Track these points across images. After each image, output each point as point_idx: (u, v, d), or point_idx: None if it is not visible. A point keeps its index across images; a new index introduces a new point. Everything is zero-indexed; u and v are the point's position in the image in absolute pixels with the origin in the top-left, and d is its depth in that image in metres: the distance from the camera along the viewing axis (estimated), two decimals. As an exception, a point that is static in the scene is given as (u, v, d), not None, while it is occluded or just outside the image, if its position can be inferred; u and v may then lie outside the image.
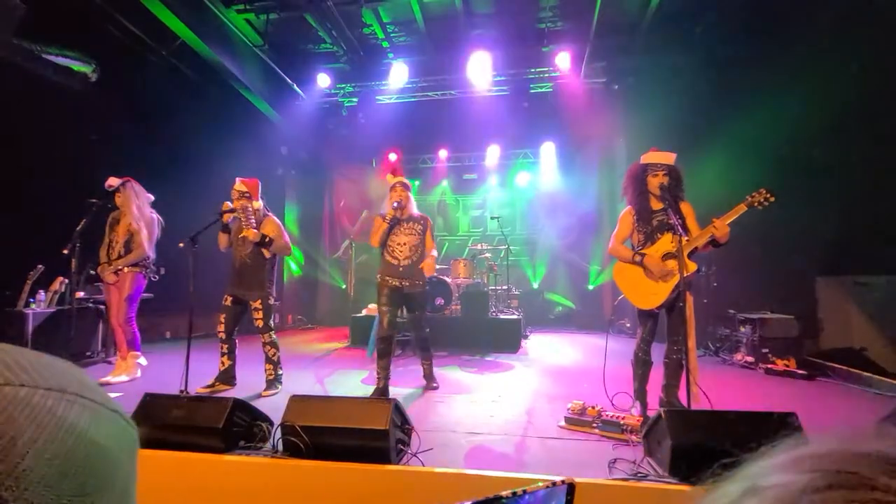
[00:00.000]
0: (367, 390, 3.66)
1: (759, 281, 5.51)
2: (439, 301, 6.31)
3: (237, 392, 3.53)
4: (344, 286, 9.47)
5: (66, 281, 4.67)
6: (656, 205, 2.91)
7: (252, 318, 3.67)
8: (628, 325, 7.14)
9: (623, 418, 2.60)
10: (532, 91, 7.58)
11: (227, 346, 3.65)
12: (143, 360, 4.15)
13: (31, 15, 4.71)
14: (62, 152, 5.25)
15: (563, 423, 2.79)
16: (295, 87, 7.38)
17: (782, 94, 5.26)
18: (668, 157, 2.91)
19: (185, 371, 3.01)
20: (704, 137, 5.65)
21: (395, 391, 3.61)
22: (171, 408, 2.26)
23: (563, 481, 0.45)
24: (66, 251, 4.11)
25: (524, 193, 9.72)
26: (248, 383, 3.74)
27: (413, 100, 8.03)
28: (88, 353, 4.79)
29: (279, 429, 2.15)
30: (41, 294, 4.57)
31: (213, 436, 2.16)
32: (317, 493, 1.94)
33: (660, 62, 6.45)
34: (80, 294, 4.65)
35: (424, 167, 9.89)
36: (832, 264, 5.02)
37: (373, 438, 2.03)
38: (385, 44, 7.21)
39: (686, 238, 2.58)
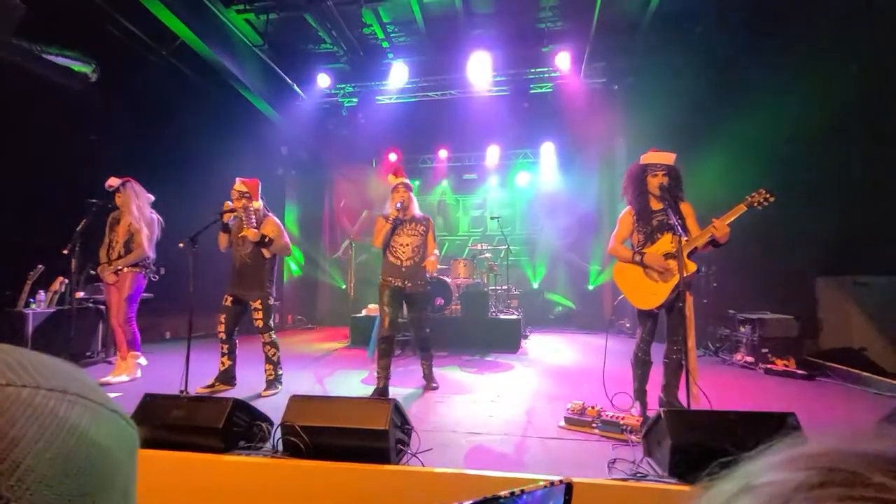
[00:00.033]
0: (367, 390, 3.67)
1: (758, 281, 5.51)
2: (439, 301, 6.32)
3: (237, 392, 3.54)
4: (344, 286, 9.47)
5: (66, 281, 4.67)
6: (656, 205, 2.91)
7: (252, 319, 3.67)
8: (628, 325, 7.15)
9: (623, 418, 2.60)
10: (532, 91, 7.58)
11: (227, 346, 3.65)
12: (143, 361, 4.15)
13: (31, 15, 4.71)
14: (62, 152, 5.26)
15: (562, 423, 2.79)
16: (295, 87, 7.38)
17: (782, 94, 5.27)
18: (668, 158, 2.91)
19: (185, 371, 3.01)
20: (704, 137, 5.65)
21: (395, 391, 3.61)
22: (170, 408, 2.26)
23: (560, 481, 0.45)
24: (65, 251, 4.11)
25: (524, 193, 9.72)
26: (248, 383, 3.74)
27: (413, 100, 8.03)
28: (88, 354, 4.79)
29: (279, 429, 2.15)
30: (41, 294, 4.57)
31: (212, 436, 2.16)
32: (316, 493, 1.94)
33: (660, 62, 6.45)
34: (80, 294, 4.65)
35: (424, 167, 9.89)
36: (832, 264, 5.03)
37: (372, 438, 2.03)
38: (385, 44, 7.21)
39: (686, 238, 2.58)
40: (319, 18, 6.29)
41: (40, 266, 4.51)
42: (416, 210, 3.74)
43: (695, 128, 5.76)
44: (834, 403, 3.47)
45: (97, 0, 5.16)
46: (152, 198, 4.22)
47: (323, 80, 7.22)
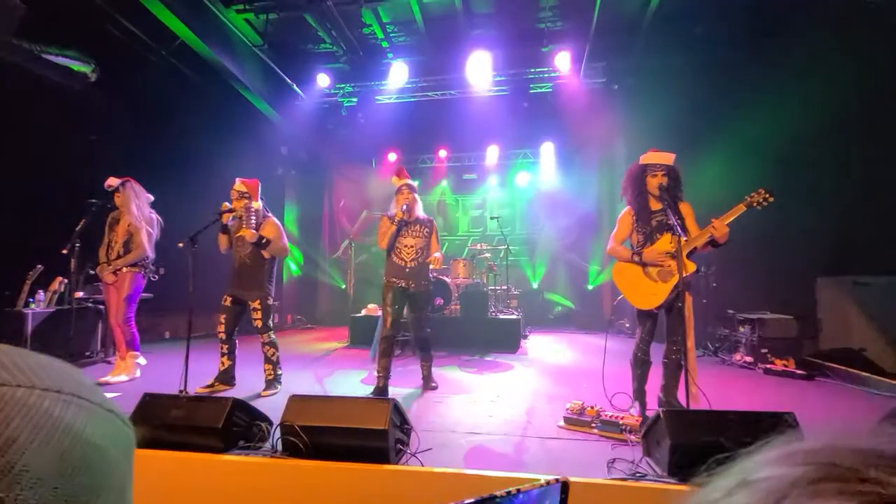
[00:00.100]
0: (367, 390, 3.67)
1: (758, 281, 5.52)
2: (439, 301, 6.32)
3: (237, 392, 3.54)
4: (343, 286, 9.47)
5: (66, 281, 4.67)
6: (655, 205, 2.91)
7: (251, 319, 3.67)
8: (627, 325, 7.15)
9: (622, 418, 2.60)
10: (532, 91, 7.58)
11: (227, 346, 3.65)
12: (142, 360, 4.15)
13: (31, 15, 4.71)
14: (62, 152, 5.26)
15: (562, 423, 2.80)
16: (294, 87, 7.38)
17: (782, 94, 5.27)
18: (668, 158, 2.91)
19: (185, 371, 3.01)
20: (704, 137, 5.65)
21: (395, 391, 3.61)
22: (170, 408, 2.26)
23: (556, 480, 0.45)
24: (65, 251, 4.12)
25: (524, 193, 9.72)
26: (248, 383, 3.74)
27: (413, 100, 8.02)
28: (88, 353, 4.79)
29: (278, 428, 2.15)
30: (40, 294, 4.57)
31: (212, 436, 2.16)
32: (316, 492, 1.94)
33: (660, 62, 6.45)
34: (80, 294, 4.65)
35: (424, 167, 9.89)
36: (832, 264, 5.03)
37: (372, 438, 2.04)
38: (385, 44, 7.21)
39: (685, 238, 2.58)
40: (319, 18, 6.29)
41: (40, 266, 4.51)
42: (420, 211, 3.76)
43: (695, 128, 5.76)
44: (833, 404, 3.47)
45: (97, 0, 5.16)
46: (152, 198, 4.21)
47: (323, 80, 7.22)
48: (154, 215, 4.17)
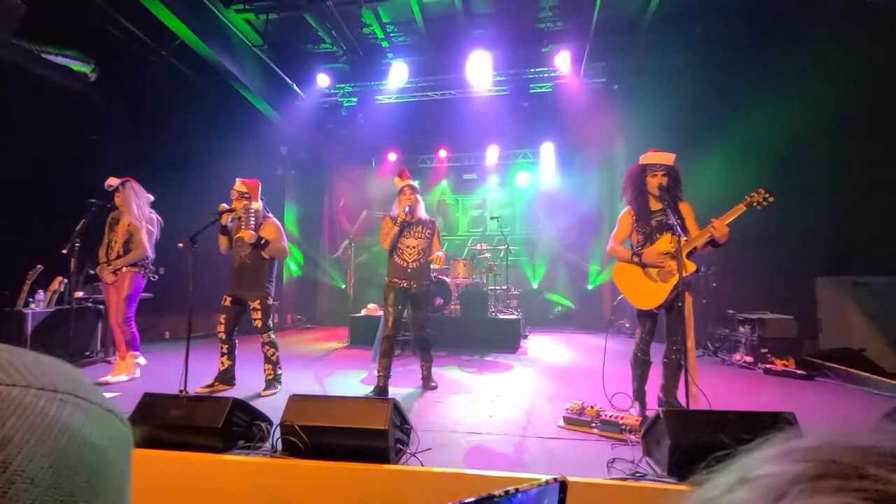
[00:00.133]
0: (367, 390, 3.67)
1: (758, 281, 5.52)
2: (438, 301, 6.32)
3: (236, 392, 3.54)
4: (343, 286, 9.46)
5: (66, 281, 4.67)
6: (655, 205, 2.91)
7: (251, 319, 3.68)
8: (627, 325, 7.15)
9: (622, 418, 2.60)
10: (532, 91, 7.58)
11: (226, 346, 3.65)
12: (142, 360, 4.15)
13: (30, 15, 4.71)
14: (62, 152, 5.26)
15: (562, 422, 2.80)
16: (294, 86, 7.38)
17: (782, 94, 5.27)
18: (667, 158, 2.91)
19: (185, 371, 3.01)
20: (704, 137, 5.66)
21: (395, 391, 3.61)
22: (170, 407, 2.27)
23: (555, 479, 0.45)
24: (64, 251, 4.12)
25: (524, 193, 9.72)
26: (248, 383, 3.74)
27: (412, 100, 8.02)
28: (87, 353, 4.79)
29: (278, 428, 2.15)
30: (40, 294, 4.57)
31: (212, 435, 2.16)
32: (316, 492, 1.94)
33: (660, 62, 6.45)
34: (80, 294, 4.65)
35: (424, 167, 9.89)
36: (832, 264, 5.03)
37: (372, 438, 2.04)
38: (385, 44, 7.21)
39: (685, 238, 2.58)
40: (319, 18, 6.29)
41: (39, 266, 4.51)
42: (423, 212, 3.76)
43: (695, 128, 5.76)
44: (833, 403, 3.47)
45: (97, 0, 5.16)
46: (152, 198, 4.21)
47: (322, 80, 7.22)
48: (154, 215, 4.17)
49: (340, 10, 6.06)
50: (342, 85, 7.83)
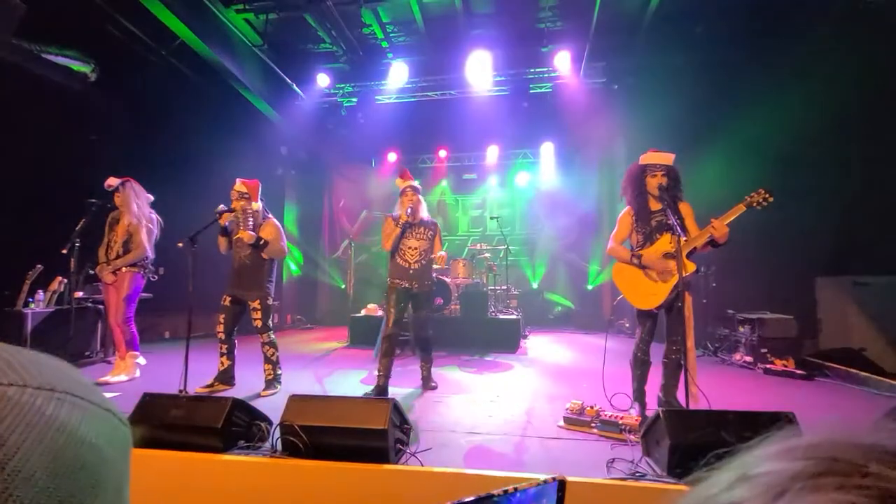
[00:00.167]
0: (367, 390, 3.67)
1: (758, 281, 5.52)
2: (438, 301, 6.32)
3: (236, 392, 3.53)
4: (343, 286, 9.47)
5: (65, 281, 4.67)
6: (655, 205, 2.91)
7: (251, 319, 3.68)
8: (627, 325, 7.15)
9: (621, 418, 2.60)
10: (532, 91, 7.57)
11: (226, 346, 3.65)
12: (141, 360, 4.15)
13: (30, 15, 4.71)
14: (62, 152, 5.26)
15: (561, 422, 2.80)
16: (294, 86, 7.38)
17: (782, 94, 5.27)
18: (667, 158, 2.91)
19: (185, 371, 3.01)
20: (704, 137, 5.66)
21: (395, 391, 3.61)
22: (170, 407, 2.27)
23: (553, 478, 0.45)
24: (64, 251, 4.12)
25: (524, 193, 9.72)
26: (248, 383, 3.74)
27: (412, 100, 8.02)
28: (87, 353, 4.79)
29: (278, 428, 2.15)
30: (40, 294, 4.57)
31: (211, 435, 2.16)
32: (316, 492, 1.94)
33: (660, 62, 6.45)
34: (79, 294, 4.65)
35: (424, 167, 9.89)
36: (832, 264, 5.03)
37: (371, 438, 2.04)
38: (384, 44, 7.21)
39: (684, 238, 2.58)
40: (319, 18, 6.29)
41: (39, 266, 4.51)
42: (425, 213, 3.76)
43: (695, 128, 5.76)
44: (833, 403, 3.47)
45: (97, 0, 5.16)
46: (152, 198, 4.21)
47: (322, 80, 7.22)
48: (154, 215, 4.17)
49: (340, 10, 6.06)
50: (342, 85, 7.83)
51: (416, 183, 3.76)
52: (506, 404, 3.33)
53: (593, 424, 2.67)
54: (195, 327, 3.66)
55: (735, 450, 0.27)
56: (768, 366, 4.46)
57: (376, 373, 3.58)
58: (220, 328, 3.62)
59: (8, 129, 4.66)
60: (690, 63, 6.17)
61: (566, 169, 9.20)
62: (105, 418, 0.32)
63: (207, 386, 3.58)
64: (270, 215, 3.85)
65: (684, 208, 2.87)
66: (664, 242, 2.82)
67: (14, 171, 4.72)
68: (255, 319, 3.65)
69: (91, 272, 4.34)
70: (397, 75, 7.10)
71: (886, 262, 4.51)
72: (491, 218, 8.25)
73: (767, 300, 5.17)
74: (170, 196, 4.55)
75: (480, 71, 6.79)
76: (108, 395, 0.35)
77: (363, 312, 6.53)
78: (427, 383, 3.82)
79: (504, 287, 7.48)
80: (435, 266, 3.84)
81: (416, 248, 3.67)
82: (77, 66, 5.49)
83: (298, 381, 4.05)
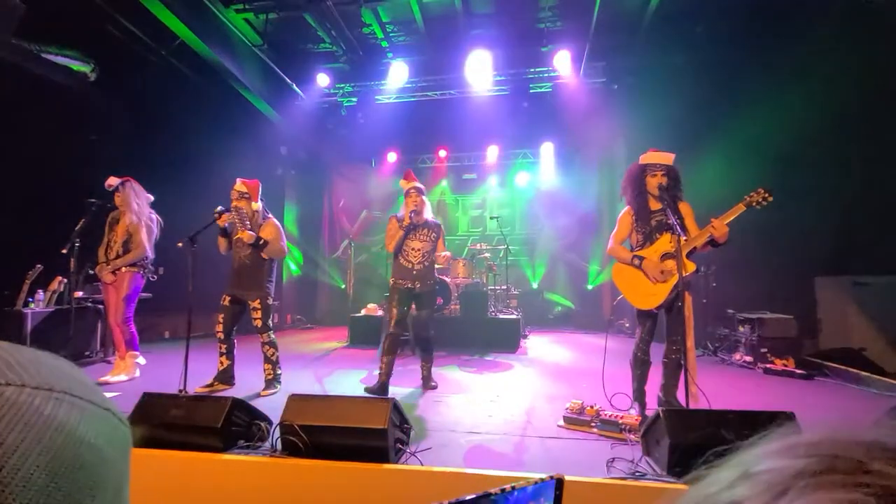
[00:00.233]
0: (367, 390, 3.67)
1: (758, 281, 5.52)
2: (438, 301, 6.31)
3: (236, 391, 3.53)
4: (343, 286, 9.47)
5: (65, 280, 4.67)
6: (655, 205, 2.91)
7: (251, 318, 3.68)
8: (627, 325, 7.14)
9: (621, 417, 2.60)
10: (532, 91, 7.57)
11: (225, 345, 3.65)
12: (141, 360, 4.14)
13: (30, 15, 4.71)
14: (62, 152, 5.25)
15: (561, 422, 2.80)
16: (294, 86, 7.38)
17: (782, 93, 5.27)
18: (667, 158, 2.91)
19: (184, 371, 3.01)
20: (704, 137, 5.66)
21: (394, 390, 3.61)
22: (169, 407, 2.26)
23: (551, 476, 0.45)
24: (64, 251, 4.12)
25: (524, 193, 9.72)
26: (247, 383, 3.74)
27: (412, 100, 8.02)
28: (87, 353, 4.79)
29: (278, 428, 2.15)
30: (40, 294, 4.57)
31: (211, 435, 2.16)
32: (315, 492, 1.94)
33: (660, 61, 6.45)
34: (79, 294, 4.65)
35: (424, 167, 9.89)
36: (832, 264, 5.03)
37: (371, 437, 2.03)
38: (384, 43, 7.21)
39: (684, 238, 2.58)
40: (319, 18, 6.29)
41: (39, 265, 4.51)
42: (429, 214, 3.76)
43: (695, 127, 5.76)
44: (833, 403, 3.47)
45: (97, 0, 5.16)
46: (152, 198, 4.21)
47: (322, 80, 7.22)
48: (154, 215, 4.17)
49: (340, 9, 6.06)
50: (342, 85, 7.83)
51: (420, 184, 3.77)
52: (506, 404, 3.33)
53: (593, 424, 2.67)
54: (195, 327, 3.66)
55: (735, 448, 0.27)
56: (768, 366, 4.46)
57: (378, 371, 3.58)
58: (220, 328, 3.62)
59: (8, 129, 4.66)
60: (690, 63, 6.17)
61: (566, 169, 9.20)
62: (104, 418, 0.32)
63: (207, 386, 3.58)
64: (270, 215, 3.85)
65: (684, 208, 2.87)
66: (664, 242, 2.82)
67: (14, 171, 4.72)
68: (256, 319, 3.65)
69: (91, 272, 4.34)
70: (397, 75, 7.10)
71: (886, 262, 4.51)
72: (491, 218, 8.25)
73: (767, 300, 5.17)
74: (170, 196, 4.55)
75: (480, 71, 6.79)
76: (107, 394, 0.35)
77: (363, 312, 6.53)
78: (427, 383, 3.82)
79: (504, 287, 7.48)
80: (437, 266, 3.84)
81: (419, 250, 3.68)
82: (77, 66, 5.49)
83: (298, 380, 4.06)
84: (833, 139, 5.13)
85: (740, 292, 5.45)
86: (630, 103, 6.84)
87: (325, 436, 2.06)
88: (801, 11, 5.34)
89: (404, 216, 3.64)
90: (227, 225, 3.66)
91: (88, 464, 0.29)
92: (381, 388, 3.48)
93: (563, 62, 6.67)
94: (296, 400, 2.20)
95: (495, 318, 6.32)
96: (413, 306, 3.76)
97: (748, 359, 4.79)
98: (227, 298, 3.66)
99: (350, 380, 4.17)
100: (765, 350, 4.57)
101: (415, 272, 3.65)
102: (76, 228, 4.19)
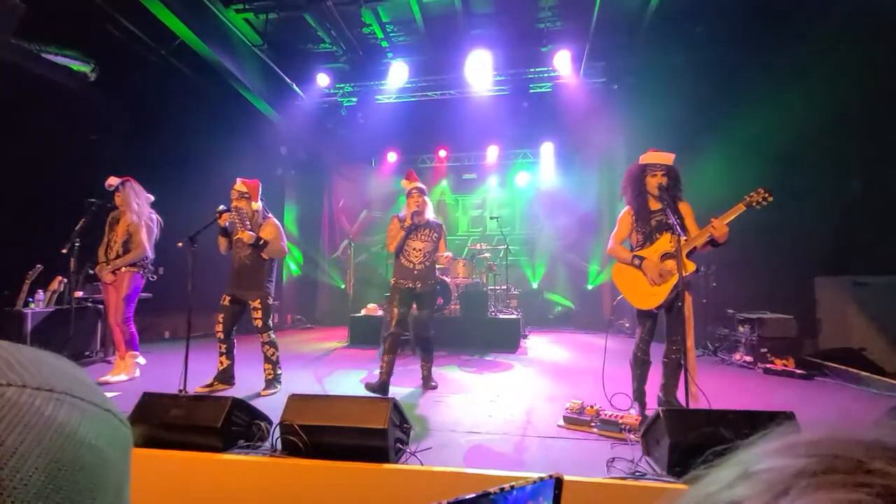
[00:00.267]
0: (366, 389, 3.67)
1: (758, 281, 5.52)
2: (439, 301, 6.32)
3: (236, 391, 3.53)
4: (343, 286, 9.47)
5: (65, 280, 4.67)
6: (655, 205, 2.91)
7: (251, 318, 3.68)
8: (627, 325, 7.14)
9: (621, 417, 2.60)
10: (531, 91, 7.57)
11: (225, 345, 3.65)
12: (141, 360, 4.15)
13: (30, 14, 4.70)
14: (62, 152, 5.25)
15: (561, 422, 2.80)
16: (294, 86, 7.38)
17: (782, 93, 5.27)
18: (667, 158, 2.91)
19: (184, 370, 3.01)
20: (704, 137, 5.65)
21: (395, 390, 3.61)
22: (169, 407, 2.26)
23: (550, 476, 0.45)
24: (64, 251, 4.11)
25: (523, 193, 9.72)
26: (247, 383, 3.74)
27: (412, 99, 8.02)
28: (87, 353, 4.79)
29: (278, 428, 2.15)
30: (40, 294, 4.57)
31: (211, 435, 2.16)
32: (315, 492, 1.94)
33: (660, 61, 6.45)
34: (79, 294, 4.65)
35: (424, 167, 9.89)
36: (832, 264, 5.03)
37: (371, 437, 2.03)
38: (384, 43, 7.21)
39: (684, 238, 2.58)
40: (319, 18, 6.29)
41: (39, 265, 4.51)
42: (431, 214, 3.76)
43: (695, 128, 5.76)
44: (833, 403, 3.47)
45: (97, 0, 5.16)
46: (152, 198, 4.21)
47: (322, 80, 7.22)
48: (154, 215, 4.17)
49: (340, 9, 6.06)
50: (342, 85, 7.83)
51: (422, 185, 3.77)
52: (506, 404, 3.33)
53: (593, 424, 2.67)
54: (195, 327, 3.66)
55: (734, 447, 0.27)
56: (768, 365, 4.46)
57: (379, 369, 3.58)
58: (219, 328, 3.62)
59: (8, 129, 4.66)
60: (690, 63, 6.17)
61: (566, 169, 9.20)
62: (105, 419, 0.32)
63: (207, 385, 3.58)
64: (270, 215, 3.85)
65: (684, 208, 2.87)
66: (664, 242, 2.82)
67: (14, 171, 4.71)
68: (256, 319, 3.65)
69: (91, 272, 4.34)
70: (397, 75, 7.10)
71: (886, 262, 4.51)
72: (491, 218, 8.24)
73: (767, 300, 5.17)
74: (170, 196, 4.55)
75: (480, 71, 6.79)
76: (108, 394, 0.35)
77: (363, 312, 6.53)
78: (427, 383, 3.83)
79: (504, 287, 7.48)
80: (438, 266, 3.85)
81: (420, 250, 3.69)
82: (77, 65, 5.49)
83: (298, 380, 4.06)
84: (833, 139, 5.13)
85: (740, 292, 5.45)
86: (630, 103, 6.84)
87: (325, 436, 2.06)
88: (801, 11, 5.34)
89: (406, 216, 3.64)
90: (227, 224, 3.66)
91: (89, 465, 0.29)
92: (382, 386, 3.48)
93: (563, 62, 6.67)
94: (296, 400, 2.20)
95: (495, 318, 6.32)
96: (414, 306, 3.77)
97: (748, 359, 4.79)
98: (227, 298, 3.66)
99: (350, 380, 4.17)
100: (765, 350, 4.57)
101: (416, 272, 3.66)
102: (76, 228, 4.19)
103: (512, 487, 0.41)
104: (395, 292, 3.67)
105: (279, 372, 3.72)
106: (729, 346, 5.26)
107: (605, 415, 2.66)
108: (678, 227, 2.55)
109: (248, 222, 3.59)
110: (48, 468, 0.26)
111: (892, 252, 4.48)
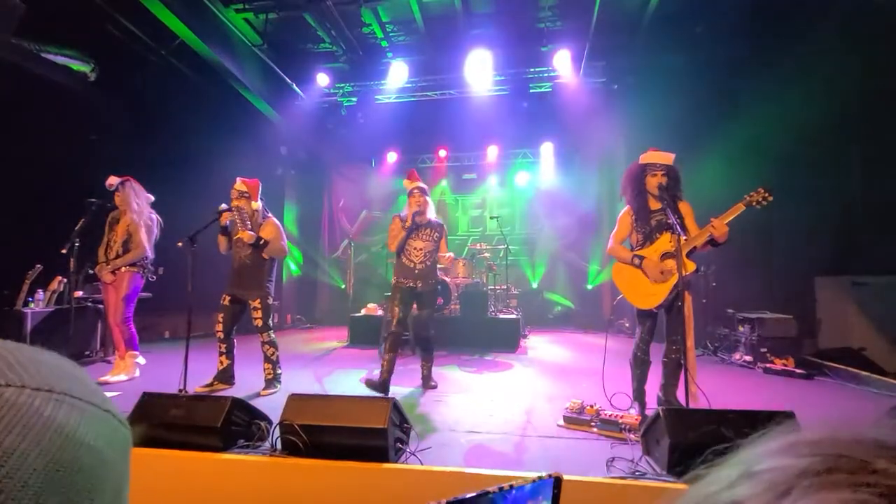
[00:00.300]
0: (366, 389, 3.66)
1: (758, 280, 5.52)
2: (439, 301, 6.31)
3: (236, 391, 3.53)
4: (343, 286, 9.46)
5: (65, 280, 4.67)
6: (655, 205, 2.91)
7: (251, 318, 3.68)
8: (627, 324, 7.14)
9: (621, 417, 2.60)
10: (531, 91, 7.57)
11: (224, 345, 3.65)
12: (141, 360, 4.14)
13: (30, 14, 4.70)
14: (61, 152, 5.25)
15: (561, 422, 2.80)
16: (294, 86, 7.38)
17: (782, 93, 5.27)
18: (667, 157, 2.91)
19: (184, 370, 3.01)
20: (704, 137, 5.65)
21: (395, 390, 3.61)
22: (169, 407, 2.26)
23: (549, 475, 0.45)
24: (64, 251, 4.11)
25: (523, 193, 9.72)
26: (247, 382, 3.74)
27: (412, 99, 8.02)
28: (87, 353, 4.79)
29: (278, 427, 2.15)
30: (40, 293, 4.57)
31: (211, 435, 2.16)
32: (315, 491, 1.94)
33: (660, 61, 6.45)
34: (79, 293, 4.65)
35: (424, 167, 9.87)
36: (832, 264, 5.03)
37: (371, 437, 2.03)
38: (384, 43, 7.21)
39: (684, 238, 2.58)
40: (319, 18, 6.29)
41: (39, 265, 4.51)
42: (432, 214, 3.77)
43: (695, 128, 5.76)
44: (833, 403, 3.47)
45: (97, 0, 5.15)
46: (152, 198, 4.21)
47: (322, 80, 7.22)
48: (154, 215, 4.17)
49: (340, 9, 6.05)
50: (342, 84, 7.83)
51: (423, 184, 3.77)
52: (506, 404, 3.33)
53: (593, 423, 2.67)
54: (195, 327, 3.66)
55: (734, 446, 0.26)
56: (768, 365, 4.46)
57: (380, 368, 3.58)
58: (219, 327, 3.62)
59: (8, 129, 4.66)
60: (690, 63, 6.17)
61: (566, 169, 9.20)
62: (105, 420, 0.32)
63: (207, 385, 3.58)
64: (270, 214, 3.86)
65: (684, 208, 2.87)
66: (664, 242, 2.82)
67: (14, 171, 4.71)
68: (256, 319, 3.65)
69: (91, 272, 4.34)
70: (397, 75, 7.10)
71: (886, 262, 4.51)
72: (491, 218, 8.25)
73: (767, 300, 5.17)
74: (170, 196, 4.55)
75: (480, 70, 6.78)
76: (107, 394, 0.35)
77: (363, 312, 6.53)
78: (427, 382, 3.83)
79: (504, 287, 7.48)
80: (440, 266, 3.85)
81: (421, 249, 3.69)
82: (77, 65, 5.49)
83: (298, 380, 4.06)
84: (833, 139, 5.13)
85: (740, 292, 5.45)
86: (630, 103, 6.84)
87: (324, 435, 2.06)
88: (802, 11, 5.34)
89: (407, 216, 3.65)
90: (227, 224, 3.66)
91: (87, 466, 0.29)
92: (382, 385, 3.48)
93: (562, 62, 6.66)
94: (296, 399, 2.20)
95: (495, 317, 6.32)
96: (414, 306, 3.77)
97: (748, 358, 4.79)
98: (227, 298, 3.66)
99: (350, 379, 4.17)
100: (765, 350, 4.57)
101: (417, 272, 3.66)
102: (76, 228, 4.19)
103: (511, 487, 0.41)
104: (396, 292, 3.68)
105: (279, 372, 3.72)
106: (729, 346, 5.26)
107: (605, 414, 2.66)
108: (678, 227, 2.55)
109: (248, 222, 3.59)
110: (46, 469, 0.26)
111: (892, 252, 4.48)
